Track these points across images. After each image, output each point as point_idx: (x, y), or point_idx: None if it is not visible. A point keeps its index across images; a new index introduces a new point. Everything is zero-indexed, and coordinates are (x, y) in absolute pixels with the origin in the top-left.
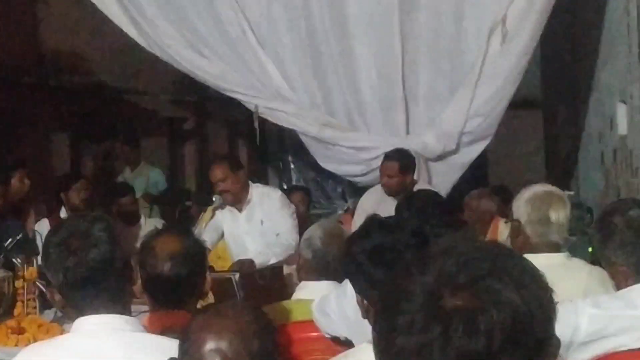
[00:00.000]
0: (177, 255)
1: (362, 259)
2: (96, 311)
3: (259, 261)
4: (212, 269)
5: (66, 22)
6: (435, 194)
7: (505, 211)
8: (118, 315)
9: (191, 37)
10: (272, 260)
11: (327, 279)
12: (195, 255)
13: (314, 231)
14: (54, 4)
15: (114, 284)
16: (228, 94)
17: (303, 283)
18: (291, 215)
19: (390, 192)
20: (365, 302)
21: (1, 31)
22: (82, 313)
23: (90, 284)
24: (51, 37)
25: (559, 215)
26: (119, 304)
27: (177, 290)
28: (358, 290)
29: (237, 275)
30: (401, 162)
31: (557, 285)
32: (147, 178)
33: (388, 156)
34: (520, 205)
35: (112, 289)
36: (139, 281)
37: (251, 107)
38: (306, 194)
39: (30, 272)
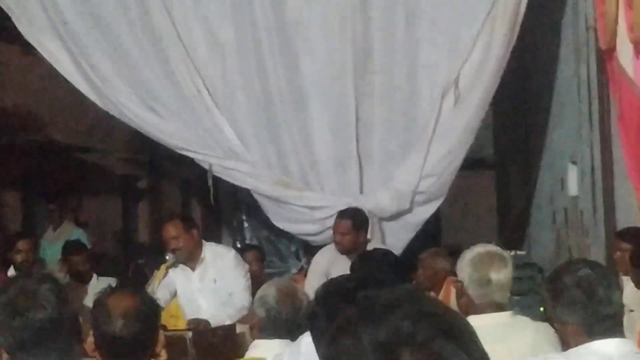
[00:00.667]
0: (129, 314)
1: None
2: None
3: (213, 323)
4: (165, 327)
5: (16, 79)
6: (389, 252)
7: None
8: None
9: (145, 95)
10: (227, 322)
11: (281, 337)
12: (148, 314)
13: (268, 290)
14: (3, 61)
15: (62, 344)
16: (182, 152)
17: (256, 341)
18: (244, 275)
19: (343, 250)
20: None
21: None
22: None
23: (38, 344)
24: (1, 94)
25: (500, 275)
26: None
27: (129, 349)
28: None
29: (190, 334)
30: (354, 220)
31: (504, 344)
32: (69, 238)
33: (341, 214)
34: (463, 266)
35: (61, 350)
36: (91, 339)
37: (205, 166)
38: (260, 253)
39: None
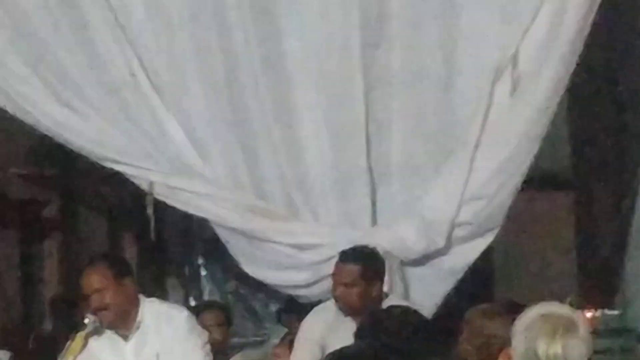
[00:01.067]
0: None
1: None
2: None
3: None
4: None
5: None
6: (414, 312)
7: None
8: None
9: (55, 81)
10: None
11: None
12: None
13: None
14: None
15: None
16: (110, 166)
17: None
18: (202, 347)
19: (348, 309)
20: None
21: None
22: None
23: None
24: None
25: (564, 349)
26: None
27: None
28: None
29: None
30: (364, 264)
31: None
32: None
33: (345, 256)
34: (516, 334)
35: None
36: None
37: (143, 186)
38: (224, 313)
39: None
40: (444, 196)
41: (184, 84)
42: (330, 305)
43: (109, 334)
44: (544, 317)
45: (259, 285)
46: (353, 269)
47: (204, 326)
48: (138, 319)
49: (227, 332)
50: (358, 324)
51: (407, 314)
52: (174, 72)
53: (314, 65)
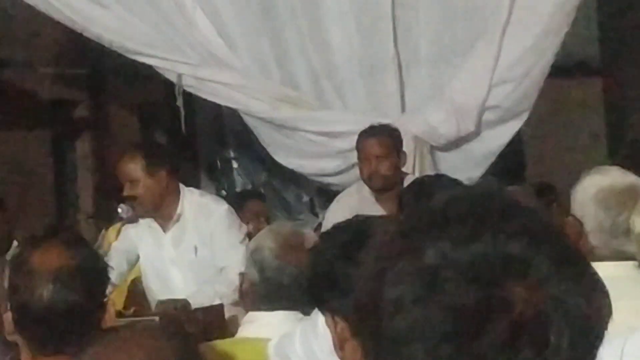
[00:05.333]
0: (62, 276)
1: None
2: None
3: (194, 305)
4: (120, 313)
5: None
6: (458, 181)
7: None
8: None
9: None
10: (217, 302)
11: (284, 307)
12: (90, 275)
13: (263, 240)
14: None
15: None
16: (138, 58)
17: (250, 315)
18: (242, 241)
19: (382, 183)
20: (339, 325)
21: None
22: None
23: None
24: None
25: None
26: None
27: (63, 326)
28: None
29: (157, 321)
30: (391, 136)
31: (631, 300)
32: None
33: (373, 131)
34: (586, 204)
35: None
36: (9, 315)
37: (172, 78)
38: (263, 203)
39: None
40: (473, 80)
41: None
42: (353, 191)
43: (148, 222)
44: (628, 187)
45: (290, 176)
46: (385, 140)
47: (244, 218)
48: (178, 211)
49: (268, 222)
50: (400, 192)
51: (453, 180)
52: None
53: None
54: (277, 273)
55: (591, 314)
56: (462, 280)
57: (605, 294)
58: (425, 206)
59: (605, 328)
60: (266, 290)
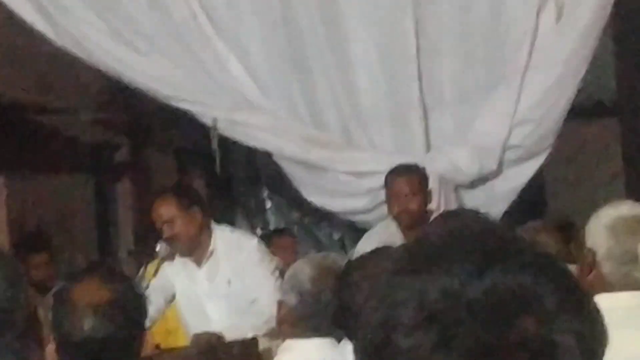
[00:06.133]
0: (102, 309)
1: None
2: None
3: (229, 338)
4: (158, 346)
5: None
6: (485, 216)
7: (568, 253)
8: None
9: (120, 24)
10: (249, 335)
11: (320, 335)
12: (129, 308)
13: (301, 267)
14: None
15: (12, 346)
16: (174, 103)
17: (287, 343)
18: (273, 273)
19: (410, 220)
20: None
21: None
22: None
23: None
24: None
25: None
26: None
27: (103, 357)
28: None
29: (193, 354)
30: (419, 175)
31: None
32: None
33: (401, 170)
34: (598, 233)
35: (13, 350)
36: (52, 345)
37: (207, 122)
38: (293, 239)
39: None
40: (495, 121)
41: (241, 21)
42: (381, 229)
43: (183, 260)
44: (635, 217)
45: (322, 215)
46: (413, 178)
47: (275, 252)
48: (211, 247)
49: (297, 258)
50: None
51: (478, 213)
52: (231, 10)
53: (367, 0)
54: (313, 298)
55: (594, 346)
56: (476, 320)
57: (604, 326)
58: (425, 242)
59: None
60: (303, 316)
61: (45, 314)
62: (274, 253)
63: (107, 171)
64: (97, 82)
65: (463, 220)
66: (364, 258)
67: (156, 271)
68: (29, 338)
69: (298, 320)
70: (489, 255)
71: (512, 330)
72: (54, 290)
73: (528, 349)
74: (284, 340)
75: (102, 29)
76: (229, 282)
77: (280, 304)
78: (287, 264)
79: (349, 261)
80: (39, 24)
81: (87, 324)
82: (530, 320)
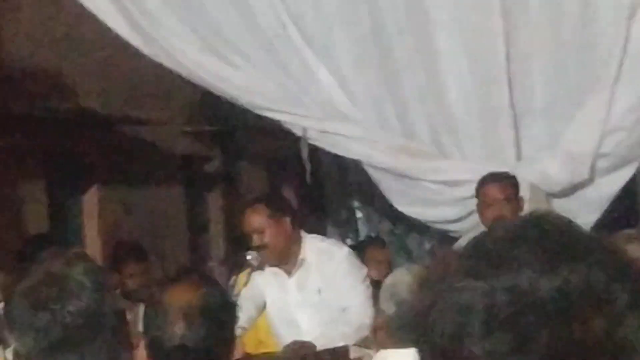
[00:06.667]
0: (193, 313)
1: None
2: None
3: (320, 345)
4: (248, 356)
5: (35, 30)
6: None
7: None
8: None
9: (211, 37)
10: (340, 344)
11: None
12: (219, 313)
13: (400, 276)
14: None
15: (104, 347)
16: (265, 114)
17: (381, 352)
18: (363, 282)
19: None
20: None
21: None
22: None
23: (69, 347)
24: (13, 48)
25: None
26: None
27: None
28: None
29: None
30: (513, 183)
31: None
32: None
33: (494, 177)
34: None
35: (102, 354)
36: (143, 350)
37: (298, 132)
38: (385, 248)
39: None
40: (586, 128)
41: (330, 32)
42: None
43: (273, 269)
44: None
45: (412, 225)
46: (506, 185)
47: (366, 261)
48: (301, 256)
49: (389, 267)
50: None
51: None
52: (321, 22)
53: (455, 9)
54: (411, 308)
55: None
56: (548, 322)
57: None
58: (491, 241)
59: None
60: (399, 325)
61: (135, 320)
62: (366, 263)
63: (199, 182)
64: (188, 94)
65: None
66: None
67: (247, 281)
68: (119, 342)
69: (394, 329)
70: (558, 254)
71: (583, 331)
72: (147, 296)
73: (600, 348)
74: (378, 349)
75: (193, 41)
76: (319, 291)
77: (377, 312)
78: (380, 274)
79: (426, 268)
80: (131, 37)
81: (178, 329)
82: (601, 320)
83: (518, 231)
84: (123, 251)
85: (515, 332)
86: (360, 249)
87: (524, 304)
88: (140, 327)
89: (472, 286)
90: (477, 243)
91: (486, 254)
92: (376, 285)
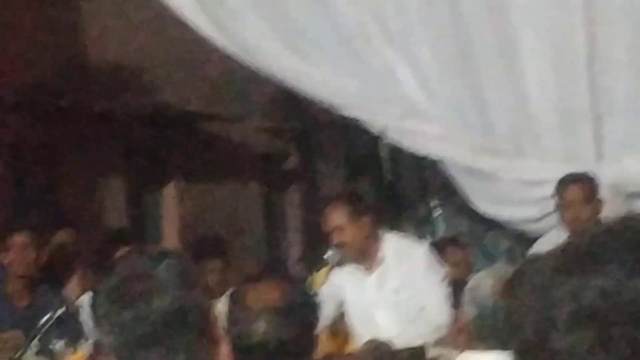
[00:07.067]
0: (276, 311)
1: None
2: None
3: (398, 344)
4: (329, 357)
5: (117, 27)
6: None
7: None
8: None
9: (290, 34)
10: (417, 343)
11: (501, 347)
12: (302, 311)
13: (483, 278)
14: (102, 5)
15: (187, 345)
16: (344, 111)
17: (464, 355)
18: (442, 281)
19: (582, 229)
20: None
21: (29, 40)
22: None
23: (156, 344)
24: (96, 46)
25: None
26: None
27: (275, 358)
28: None
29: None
30: (593, 184)
31: None
32: None
33: (575, 177)
34: None
35: (186, 351)
36: (226, 347)
37: (377, 130)
38: (465, 247)
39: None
40: None
41: (411, 29)
42: (552, 237)
43: (352, 267)
44: None
45: (490, 224)
46: (586, 186)
47: (446, 259)
48: (380, 254)
49: (469, 266)
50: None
51: None
52: (401, 19)
53: (537, 7)
54: (492, 311)
55: None
56: (631, 322)
57: None
58: (577, 243)
59: None
60: (481, 329)
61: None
62: (445, 262)
63: (277, 179)
64: (267, 91)
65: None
66: (524, 263)
67: (325, 278)
68: (203, 339)
69: (476, 333)
70: None
71: None
72: (228, 292)
73: None
74: (460, 351)
75: (273, 37)
76: (398, 289)
77: (459, 314)
78: (459, 274)
79: (515, 269)
80: (214, 35)
81: (261, 326)
82: None
83: (611, 233)
84: (203, 246)
85: (597, 330)
86: (439, 248)
87: (609, 304)
88: (222, 324)
89: (562, 283)
90: (570, 242)
91: (578, 254)
92: (455, 285)
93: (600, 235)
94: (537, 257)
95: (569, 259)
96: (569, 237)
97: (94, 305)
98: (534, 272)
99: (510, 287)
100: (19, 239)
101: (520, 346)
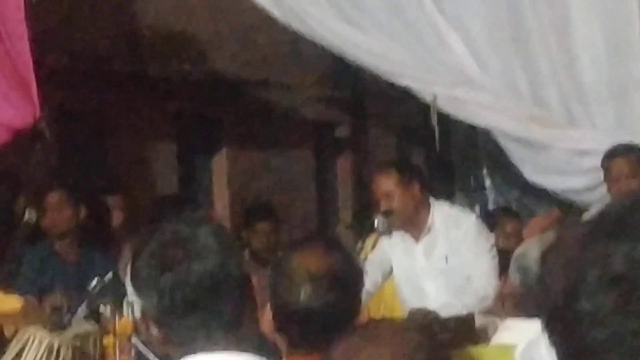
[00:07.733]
0: (320, 277)
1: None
2: (207, 348)
3: (446, 313)
4: (373, 321)
5: None
6: None
7: None
8: (237, 353)
9: (343, 2)
10: (464, 312)
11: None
12: (347, 278)
13: (529, 247)
14: None
15: (229, 310)
16: (395, 80)
17: (508, 322)
18: (489, 251)
19: None
20: None
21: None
22: (186, 351)
23: (195, 308)
24: (149, 12)
25: None
26: (238, 336)
27: (319, 325)
28: None
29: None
30: (639, 156)
31: None
32: None
33: (623, 150)
34: None
35: (226, 316)
36: (269, 315)
37: (427, 98)
38: (516, 218)
39: (123, 325)
40: None
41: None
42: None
43: (401, 234)
44: None
45: (541, 194)
46: (632, 158)
47: (497, 230)
48: (429, 222)
49: (520, 237)
50: None
51: None
52: None
53: None
54: (540, 280)
55: None
56: None
57: None
58: (610, 210)
59: None
60: (526, 297)
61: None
62: (496, 233)
63: (328, 147)
64: (319, 59)
65: None
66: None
67: (374, 245)
68: (244, 305)
69: (521, 300)
70: None
71: None
72: (273, 259)
73: None
74: (505, 317)
75: (324, 6)
76: (446, 258)
77: (505, 280)
78: (510, 245)
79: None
80: (268, 4)
81: (304, 292)
82: None
83: (633, 206)
84: (253, 210)
85: (621, 294)
86: (491, 218)
87: (635, 270)
88: (267, 290)
89: (592, 248)
90: (604, 210)
91: (610, 220)
92: (508, 255)
93: (634, 204)
94: (572, 224)
95: (601, 225)
96: (605, 205)
97: (134, 268)
98: (568, 238)
99: (546, 253)
100: (53, 198)
101: (548, 309)
